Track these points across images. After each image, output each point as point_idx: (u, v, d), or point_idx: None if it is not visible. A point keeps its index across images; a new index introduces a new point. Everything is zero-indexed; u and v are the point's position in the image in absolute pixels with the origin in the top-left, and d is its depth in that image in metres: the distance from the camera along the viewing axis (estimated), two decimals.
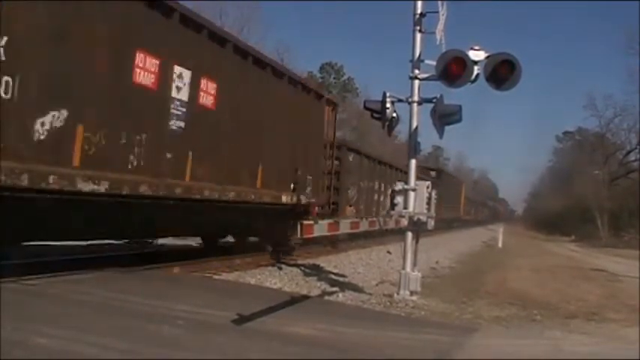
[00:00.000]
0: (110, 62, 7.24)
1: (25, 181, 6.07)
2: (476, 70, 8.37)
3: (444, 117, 9.27)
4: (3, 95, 5.82)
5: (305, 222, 14.09)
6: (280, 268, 11.95)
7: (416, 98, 9.28)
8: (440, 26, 9.06)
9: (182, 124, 8.56)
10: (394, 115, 9.45)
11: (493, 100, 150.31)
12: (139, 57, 7.66)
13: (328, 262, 13.97)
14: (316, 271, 12.34)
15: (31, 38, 6.13)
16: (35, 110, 6.21)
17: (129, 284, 8.04)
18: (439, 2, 9.14)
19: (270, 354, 5.18)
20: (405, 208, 9.28)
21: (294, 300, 8.14)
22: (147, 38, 7.80)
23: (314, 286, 10.20)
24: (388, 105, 9.29)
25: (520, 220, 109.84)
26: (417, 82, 9.29)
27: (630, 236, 39.48)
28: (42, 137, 6.28)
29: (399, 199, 9.35)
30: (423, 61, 9.28)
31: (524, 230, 68.67)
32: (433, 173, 38.27)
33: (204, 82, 9.04)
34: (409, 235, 9.40)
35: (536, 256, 22.83)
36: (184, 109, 8.58)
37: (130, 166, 7.64)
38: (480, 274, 14.12)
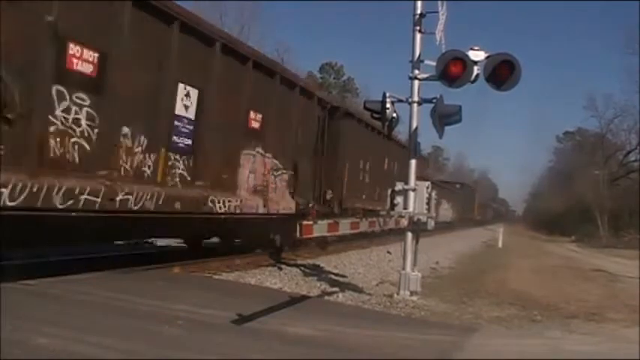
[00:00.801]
0: (378, 163, 20.35)
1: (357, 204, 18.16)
2: (476, 70, 8.38)
3: (444, 117, 9.27)
4: (361, 178, 18.62)
5: (305, 222, 14.12)
6: (280, 268, 11.94)
7: (416, 98, 9.28)
8: (440, 26, 9.07)
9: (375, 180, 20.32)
10: (394, 115, 9.46)
11: (493, 100, 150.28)
12: (386, 160, 21.23)
13: (328, 262, 13.96)
14: (316, 271, 12.33)
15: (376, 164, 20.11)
16: (372, 186, 19.64)
17: (129, 284, 8.05)
18: (439, 2, 9.15)
19: (270, 354, 5.18)
20: (405, 208, 9.29)
21: (294, 300, 8.14)
22: (388, 152, 21.01)
23: (314, 286, 10.19)
24: (388, 105, 9.29)
25: (520, 220, 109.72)
26: (416, 82, 9.29)
27: (630, 236, 39.41)
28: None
29: (399, 199, 9.35)
30: (422, 61, 9.28)
31: (524, 230, 68.60)
32: (458, 185, 53.05)
33: (391, 162, 21.73)
34: (409, 235, 9.40)
35: (537, 257, 22.83)
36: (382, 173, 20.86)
37: (374, 198, 19.54)
38: (480, 274, 14.12)
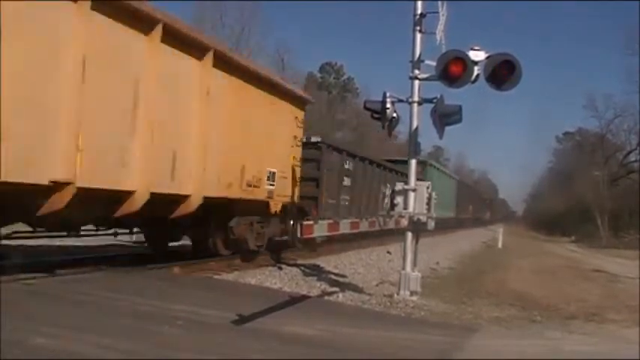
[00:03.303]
0: None
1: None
2: (476, 70, 8.37)
3: (445, 117, 9.26)
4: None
5: (305, 222, 14.10)
6: (280, 268, 11.94)
7: (416, 98, 9.27)
8: (440, 26, 9.06)
9: None
10: (394, 115, 9.45)
11: (493, 100, 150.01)
12: None
13: (328, 263, 13.95)
14: (316, 271, 12.33)
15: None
16: None
17: (129, 284, 8.04)
18: (439, 2, 9.14)
19: (270, 354, 5.18)
20: (405, 208, 9.28)
21: (294, 300, 8.13)
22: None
23: (314, 286, 10.19)
24: (388, 105, 9.28)
25: (520, 220, 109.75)
26: (417, 82, 9.29)
27: (630, 237, 39.37)
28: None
29: (399, 200, 9.35)
30: (423, 61, 9.27)
31: (524, 231, 68.64)
32: (488, 201, 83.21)
33: None
34: (409, 235, 9.40)
35: (537, 257, 22.82)
36: None
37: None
38: (480, 274, 14.12)
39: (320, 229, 15.27)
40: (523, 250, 27.27)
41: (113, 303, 6.54)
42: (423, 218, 9.33)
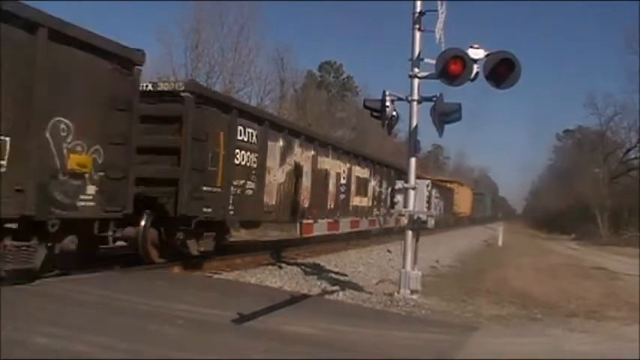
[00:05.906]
0: None
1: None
2: (475, 68, 8.36)
3: (444, 115, 9.26)
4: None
5: (305, 221, 14.12)
6: (280, 267, 11.95)
7: (415, 97, 9.27)
8: (439, 25, 9.05)
9: None
10: (394, 113, 9.44)
11: (493, 98, 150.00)
12: None
13: (328, 261, 13.96)
14: (316, 270, 12.33)
15: None
16: None
17: (129, 284, 8.04)
18: (438, 1, 9.13)
19: (270, 354, 5.17)
20: (405, 206, 9.28)
21: (295, 299, 8.13)
22: None
23: (314, 285, 10.19)
24: (388, 104, 9.27)
25: (520, 218, 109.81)
26: (416, 80, 9.28)
27: (630, 234, 39.37)
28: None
29: (399, 198, 9.34)
30: (422, 59, 9.27)
31: (525, 229, 68.59)
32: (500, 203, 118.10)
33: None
34: (409, 234, 9.40)
35: (537, 255, 22.81)
36: None
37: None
38: (481, 272, 14.11)
39: (320, 228, 15.30)
40: (523, 248, 27.26)
41: (113, 303, 6.54)
42: (423, 217, 9.33)
